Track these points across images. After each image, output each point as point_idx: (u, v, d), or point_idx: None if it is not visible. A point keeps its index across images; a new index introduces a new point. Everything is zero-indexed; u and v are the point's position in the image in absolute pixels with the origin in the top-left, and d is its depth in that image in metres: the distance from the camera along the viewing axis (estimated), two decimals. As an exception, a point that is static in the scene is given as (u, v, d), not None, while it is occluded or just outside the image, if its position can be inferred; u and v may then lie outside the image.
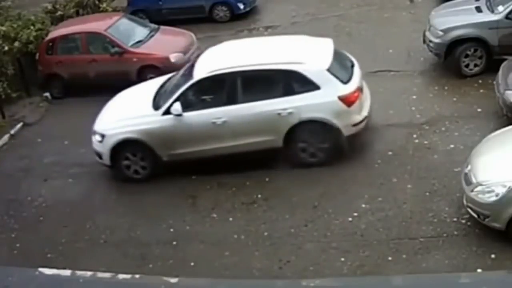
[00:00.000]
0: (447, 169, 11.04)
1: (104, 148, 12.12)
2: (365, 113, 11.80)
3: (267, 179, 11.73)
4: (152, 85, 13.03)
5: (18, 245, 11.25)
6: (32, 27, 17.82)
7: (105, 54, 16.52)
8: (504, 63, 12.67)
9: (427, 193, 10.65)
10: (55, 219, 11.75)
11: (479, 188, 9.36)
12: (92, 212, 11.69)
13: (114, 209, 11.66)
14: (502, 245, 9.28)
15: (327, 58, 11.77)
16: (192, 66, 12.39)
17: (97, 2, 19.97)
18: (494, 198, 9.19)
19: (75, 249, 10.86)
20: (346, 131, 11.54)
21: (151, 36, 17.06)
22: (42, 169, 13.22)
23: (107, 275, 10.07)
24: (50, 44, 17.14)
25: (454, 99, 13.39)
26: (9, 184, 13.03)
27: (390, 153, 11.86)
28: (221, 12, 20.57)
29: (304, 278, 9.39)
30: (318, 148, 11.67)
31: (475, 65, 13.98)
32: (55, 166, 13.34)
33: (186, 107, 11.70)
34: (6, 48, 16.86)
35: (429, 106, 13.18)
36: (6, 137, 15.17)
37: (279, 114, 11.44)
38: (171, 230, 10.93)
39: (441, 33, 14.04)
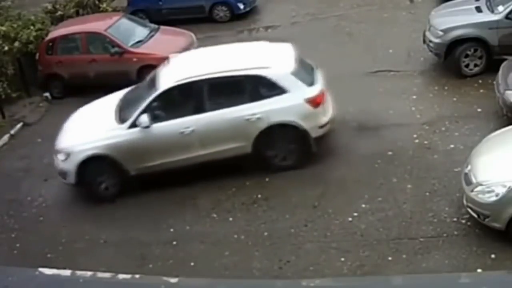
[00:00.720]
0: (447, 169, 11.04)
1: (70, 166, 11.74)
2: (330, 114, 11.87)
3: (267, 179, 11.74)
4: (112, 99, 12.77)
5: (18, 245, 11.26)
6: (32, 27, 17.84)
7: (105, 54, 16.53)
8: (504, 63, 12.67)
9: (427, 193, 10.65)
10: (55, 219, 11.76)
11: (479, 188, 9.36)
12: (92, 212, 11.68)
13: (114, 209, 11.64)
14: (502, 245, 9.27)
15: (291, 61, 11.84)
16: (155, 76, 12.19)
17: (97, 2, 19.98)
18: (494, 198, 9.19)
19: (75, 249, 10.87)
20: (314, 133, 11.62)
21: (151, 36, 17.06)
22: (42, 169, 13.21)
23: (107, 275, 10.08)
24: (50, 44, 17.15)
25: (454, 99, 13.39)
26: (9, 184, 13.04)
27: (390, 153, 11.86)
28: (221, 12, 20.59)
29: (304, 278, 9.40)
30: (287, 152, 11.71)
31: (475, 65, 13.97)
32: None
33: (153, 118, 11.52)
34: (6, 48, 16.88)
35: (429, 106, 13.18)
36: (6, 137, 15.19)
37: (247, 120, 11.44)
38: (171, 230, 10.94)
39: (441, 33, 14.04)
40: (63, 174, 11.94)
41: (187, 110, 11.61)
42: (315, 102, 11.55)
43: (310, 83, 11.74)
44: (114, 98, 12.74)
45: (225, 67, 11.76)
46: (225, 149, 11.53)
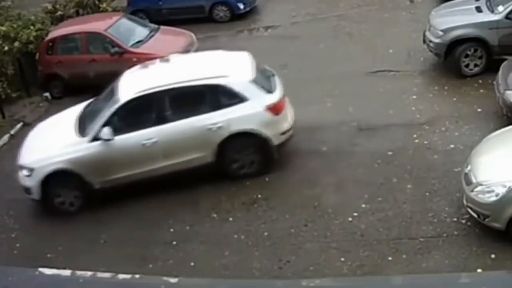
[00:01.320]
0: (447, 169, 11.04)
1: (34, 182, 11.66)
2: (291, 120, 11.92)
3: (267, 179, 11.74)
4: (72, 112, 12.75)
5: (18, 245, 11.26)
6: (32, 27, 17.84)
7: (105, 54, 16.53)
8: (504, 63, 12.67)
9: (427, 193, 10.65)
10: (55, 219, 11.74)
11: (479, 188, 9.36)
12: (92, 211, 11.68)
13: (113, 209, 11.64)
14: (502, 245, 9.27)
15: (249, 70, 11.88)
16: (114, 88, 12.15)
17: (97, 2, 19.98)
18: (494, 198, 9.19)
19: (75, 249, 10.86)
20: (275, 140, 11.64)
21: (151, 36, 17.06)
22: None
23: (107, 275, 10.10)
24: (50, 44, 17.15)
25: (454, 99, 13.39)
26: (9, 184, 13.02)
27: (390, 153, 11.86)
28: (221, 12, 20.58)
29: (304, 278, 9.41)
30: (249, 160, 11.71)
31: (475, 65, 13.97)
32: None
33: (115, 131, 11.47)
34: (6, 48, 16.87)
35: (429, 106, 13.18)
36: (6, 137, 15.19)
37: (209, 129, 11.44)
38: (171, 230, 10.94)
39: (441, 33, 14.04)
40: (28, 190, 11.84)
41: (148, 122, 11.61)
42: (275, 109, 11.59)
43: (270, 91, 11.76)
44: (74, 112, 12.70)
45: (185, 77, 11.76)
46: (188, 159, 11.54)
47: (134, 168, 11.53)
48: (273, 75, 12.32)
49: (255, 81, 11.67)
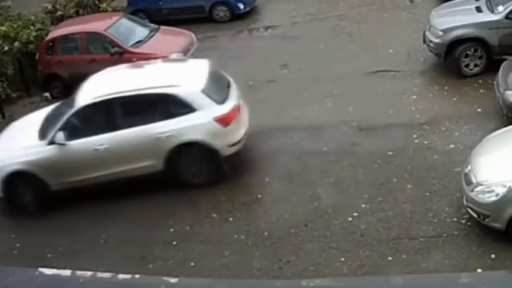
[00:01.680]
0: (447, 169, 11.04)
1: None
2: (242, 131, 11.80)
3: (267, 179, 11.74)
4: (42, 113, 12.91)
5: (18, 245, 11.25)
6: (32, 27, 17.85)
7: (105, 54, 16.52)
8: (504, 63, 12.67)
9: (427, 193, 10.65)
10: (55, 219, 11.74)
11: (479, 188, 9.36)
12: (92, 211, 11.68)
13: (113, 209, 11.64)
14: (502, 245, 9.27)
15: (202, 79, 11.78)
16: (76, 93, 12.33)
17: (97, 2, 19.98)
18: (494, 198, 9.19)
19: (75, 249, 10.86)
20: (224, 152, 11.56)
21: (151, 36, 17.06)
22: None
23: (107, 275, 10.11)
24: (50, 44, 17.15)
25: (454, 99, 13.39)
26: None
27: (390, 153, 11.86)
28: (221, 12, 20.58)
29: (304, 278, 9.42)
30: (198, 170, 11.68)
31: (475, 65, 13.97)
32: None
33: (71, 135, 11.66)
34: (6, 48, 16.88)
35: (429, 106, 13.18)
36: (6, 137, 15.16)
37: (158, 138, 11.45)
38: (171, 230, 10.93)
39: (441, 33, 14.04)
40: None
41: (101, 128, 11.74)
42: (224, 120, 11.47)
43: (222, 101, 11.66)
44: (43, 113, 12.84)
45: (138, 85, 11.82)
46: (138, 166, 11.59)
47: (88, 172, 11.70)
48: (230, 85, 12.17)
49: (206, 91, 11.54)
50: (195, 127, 11.41)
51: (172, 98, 11.52)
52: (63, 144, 11.65)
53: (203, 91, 11.53)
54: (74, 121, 11.81)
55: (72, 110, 11.85)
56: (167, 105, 11.58)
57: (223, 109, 11.55)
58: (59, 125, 11.78)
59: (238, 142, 11.73)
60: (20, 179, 11.90)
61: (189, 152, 11.55)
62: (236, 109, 11.76)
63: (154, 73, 12.62)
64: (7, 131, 13.11)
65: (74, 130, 11.74)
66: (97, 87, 12.24)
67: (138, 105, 11.72)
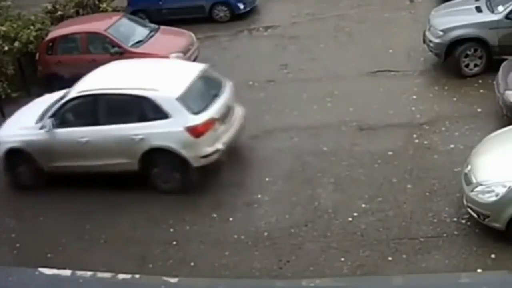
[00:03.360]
0: (447, 169, 11.04)
1: (0, 154, 12.71)
2: (219, 145, 11.53)
3: (267, 179, 11.74)
4: (54, 96, 13.27)
5: (18, 245, 11.25)
6: (32, 27, 17.82)
7: (105, 54, 16.49)
8: (504, 63, 12.67)
9: (427, 193, 10.65)
10: (55, 219, 11.75)
11: (479, 188, 9.36)
12: (92, 211, 11.69)
13: (113, 209, 11.65)
14: (502, 245, 9.27)
15: (182, 86, 11.61)
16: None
17: (97, 2, 19.96)
18: (494, 198, 9.19)
19: (75, 249, 10.87)
20: (195, 162, 11.44)
21: (151, 36, 17.04)
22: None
23: (107, 275, 10.12)
24: (50, 44, 17.14)
25: (454, 99, 13.40)
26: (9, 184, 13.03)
27: (390, 153, 11.86)
28: (221, 12, 20.57)
29: (304, 278, 9.43)
30: (169, 176, 11.70)
31: (475, 65, 13.97)
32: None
33: (59, 124, 12.13)
34: (6, 48, 16.86)
35: (429, 106, 13.18)
36: (6, 137, 15.16)
37: (132, 139, 11.54)
38: (171, 230, 10.94)
39: (441, 33, 14.04)
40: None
41: (84, 121, 12.09)
42: (195, 131, 11.27)
43: (199, 111, 11.40)
44: (56, 96, 13.23)
45: (121, 84, 12.02)
46: (115, 163, 11.79)
47: (72, 160, 12.12)
48: (219, 95, 11.90)
49: (183, 99, 11.37)
50: (166, 134, 11.37)
51: (147, 102, 11.55)
52: (48, 131, 12.11)
53: (179, 99, 11.38)
54: (63, 111, 12.22)
55: (62, 101, 12.28)
56: (143, 108, 11.63)
57: (197, 119, 11.32)
58: (51, 112, 12.27)
59: (211, 154, 11.47)
60: (17, 156, 12.53)
61: (161, 157, 11.57)
62: (211, 122, 11.45)
63: (143, 73, 12.59)
64: (24, 108, 13.77)
65: (62, 119, 12.19)
66: (89, 81, 12.55)
67: (119, 104, 11.91)
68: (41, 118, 12.44)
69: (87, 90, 12.15)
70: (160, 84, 11.81)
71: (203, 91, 11.97)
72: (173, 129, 11.32)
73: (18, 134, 12.54)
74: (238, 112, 12.36)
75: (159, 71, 12.63)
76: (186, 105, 11.40)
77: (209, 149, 11.47)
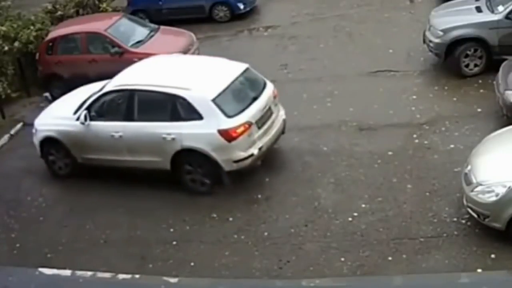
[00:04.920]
0: (447, 169, 11.04)
1: (36, 141, 12.98)
2: (254, 150, 11.24)
3: (267, 179, 11.74)
4: (95, 87, 13.11)
5: (18, 245, 11.26)
6: (32, 27, 17.82)
7: (105, 54, 16.52)
8: (504, 63, 12.67)
9: (427, 193, 10.66)
10: (55, 219, 11.76)
11: (479, 188, 9.36)
12: (92, 212, 11.69)
13: (114, 209, 11.65)
14: (502, 245, 9.27)
15: (219, 87, 11.30)
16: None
17: (97, 2, 19.96)
18: (494, 198, 9.19)
19: (75, 249, 10.87)
20: (227, 166, 11.20)
21: (151, 36, 17.04)
22: (42, 169, 13.20)
23: (107, 275, 10.13)
24: (50, 44, 17.14)
25: (454, 99, 13.40)
26: (9, 184, 13.04)
27: (390, 153, 11.86)
28: (221, 12, 20.57)
29: (304, 278, 9.43)
30: (200, 177, 11.55)
31: (475, 65, 13.97)
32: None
33: (94, 117, 12.15)
34: (6, 48, 16.86)
35: (429, 106, 13.18)
36: (6, 137, 15.18)
37: (163, 138, 11.40)
38: (171, 230, 10.94)
39: (441, 33, 14.04)
40: (35, 146, 13.10)
41: (119, 116, 11.99)
42: (229, 135, 10.99)
43: (234, 114, 11.12)
44: (96, 87, 13.09)
45: (157, 81, 11.84)
46: (148, 160, 11.70)
47: (104, 154, 12.12)
48: (257, 97, 11.55)
49: (218, 100, 11.10)
50: (198, 135, 11.17)
51: (181, 101, 11.33)
52: (82, 123, 12.13)
53: (214, 100, 11.11)
54: (98, 104, 12.20)
55: (98, 93, 12.19)
56: (176, 107, 11.41)
57: (231, 122, 11.02)
58: (86, 104, 12.26)
59: (245, 159, 11.19)
60: (52, 145, 12.74)
61: (193, 158, 11.39)
62: (247, 126, 11.14)
63: (182, 71, 12.35)
64: (66, 96, 13.98)
65: (97, 112, 12.18)
66: (127, 75, 12.43)
67: (152, 101, 11.72)
68: (78, 109, 12.41)
69: (123, 85, 12.02)
70: (197, 84, 11.51)
71: (242, 93, 11.66)
72: (205, 131, 11.08)
73: (53, 124, 12.68)
74: (279, 115, 12.08)
75: (198, 70, 12.34)
76: (221, 107, 11.10)
77: (243, 154, 11.18)
